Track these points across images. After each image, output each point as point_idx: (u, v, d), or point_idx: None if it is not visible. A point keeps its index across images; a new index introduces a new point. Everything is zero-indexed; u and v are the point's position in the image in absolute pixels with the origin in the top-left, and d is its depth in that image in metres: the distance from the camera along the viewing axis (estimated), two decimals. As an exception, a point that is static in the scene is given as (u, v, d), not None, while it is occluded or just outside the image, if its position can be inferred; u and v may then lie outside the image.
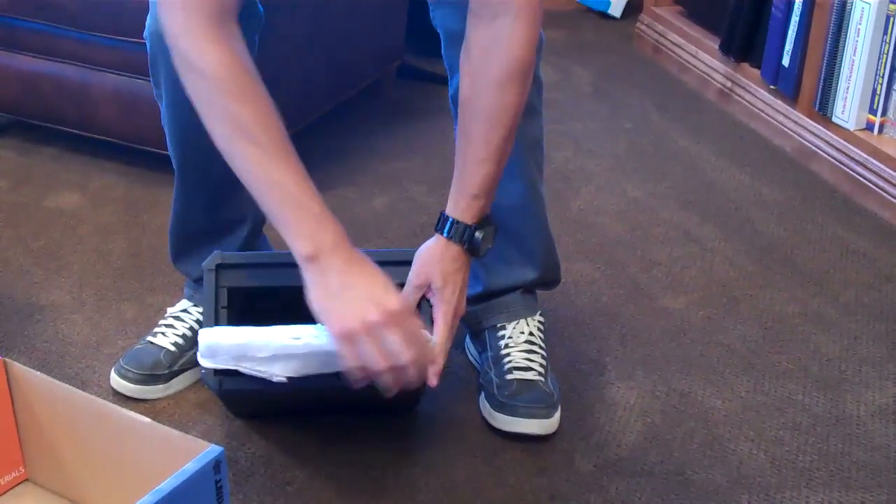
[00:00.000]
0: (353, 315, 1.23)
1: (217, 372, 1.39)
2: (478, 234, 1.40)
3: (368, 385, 1.30)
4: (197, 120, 1.27)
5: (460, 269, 1.41)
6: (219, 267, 1.46)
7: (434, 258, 1.40)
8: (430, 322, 1.39)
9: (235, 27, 1.28)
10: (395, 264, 1.42)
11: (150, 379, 1.62)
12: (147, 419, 1.28)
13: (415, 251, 1.43)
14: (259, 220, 1.70)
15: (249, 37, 1.52)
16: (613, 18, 3.27)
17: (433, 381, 1.35)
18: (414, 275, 1.41)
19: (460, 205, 1.40)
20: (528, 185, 1.61)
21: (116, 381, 1.63)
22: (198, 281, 1.64)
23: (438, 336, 1.38)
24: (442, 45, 1.53)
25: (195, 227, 1.66)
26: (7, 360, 1.36)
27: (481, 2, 1.32)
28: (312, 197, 1.25)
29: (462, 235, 1.40)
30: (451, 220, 1.40)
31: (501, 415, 1.56)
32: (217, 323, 1.43)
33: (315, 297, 1.25)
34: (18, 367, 1.36)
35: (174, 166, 1.62)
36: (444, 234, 1.40)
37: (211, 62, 1.24)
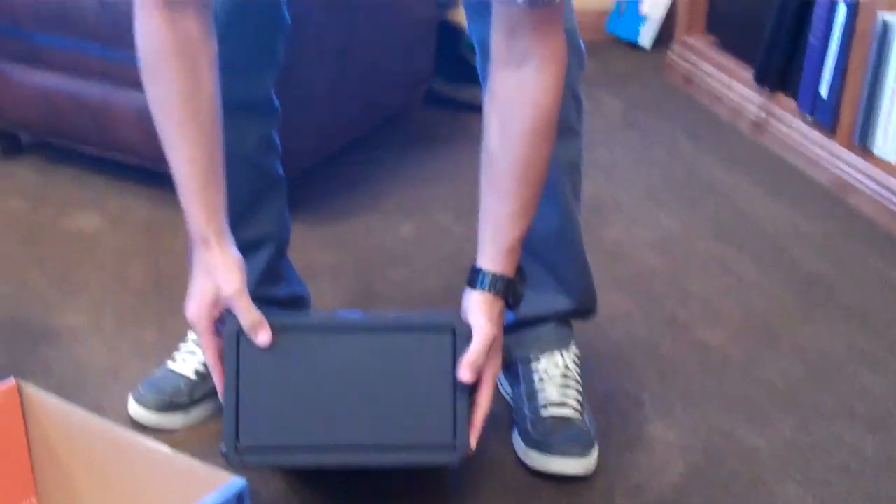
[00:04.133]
0: (186, 304, 1.33)
1: (239, 449, 1.31)
2: (520, 287, 1.36)
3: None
4: None
5: (503, 325, 1.36)
6: (240, 333, 1.32)
7: (486, 319, 1.32)
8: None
9: (191, 12, 1.25)
10: (435, 330, 1.33)
11: (169, 407, 1.56)
12: (167, 448, 1.22)
13: (450, 314, 1.34)
14: (283, 241, 1.64)
15: (275, 43, 1.50)
16: (643, 49, 3.22)
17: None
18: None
19: (500, 261, 1.33)
20: (563, 210, 1.55)
21: (135, 409, 1.57)
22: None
23: (483, 402, 1.33)
24: (477, 58, 1.49)
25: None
26: (21, 381, 1.30)
27: (506, 48, 1.26)
28: (193, 190, 1.29)
29: (507, 290, 1.34)
30: (492, 275, 1.33)
31: (536, 453, 1.49)
32: (238, 398, 1.31)
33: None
34: (33, 390, 1.30)
35: None
36: (492, 291, 1.33)
37: (140, 39, 1.27)
